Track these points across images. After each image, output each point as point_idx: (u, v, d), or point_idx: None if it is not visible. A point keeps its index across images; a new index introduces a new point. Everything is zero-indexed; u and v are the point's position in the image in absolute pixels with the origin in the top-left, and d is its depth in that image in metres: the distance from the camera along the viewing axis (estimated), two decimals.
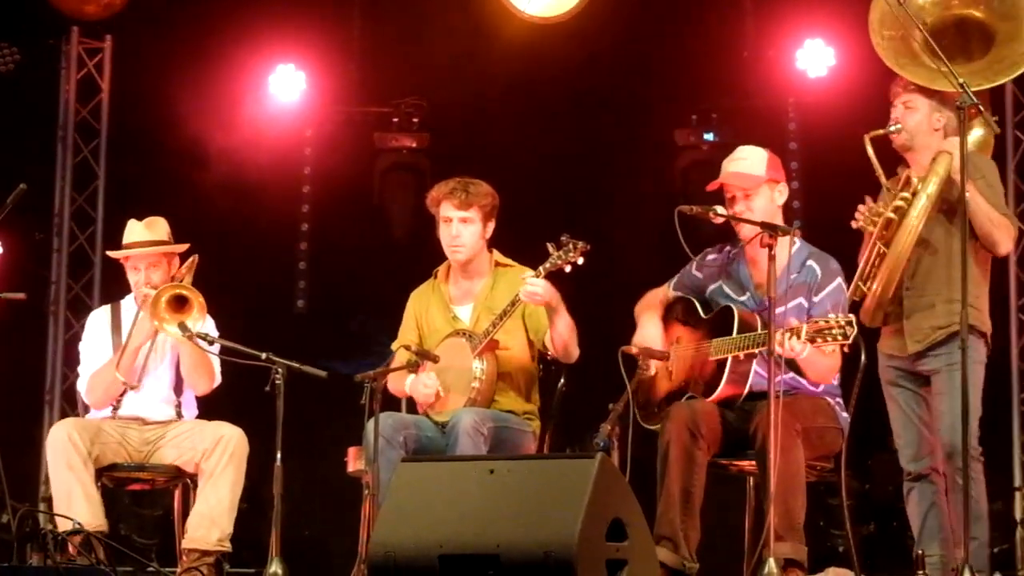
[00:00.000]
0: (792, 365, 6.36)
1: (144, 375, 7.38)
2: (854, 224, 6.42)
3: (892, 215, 6.30)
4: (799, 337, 6.13)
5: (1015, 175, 9.41)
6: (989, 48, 6.54)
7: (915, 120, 6.44)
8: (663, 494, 6.39)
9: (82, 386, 7.53)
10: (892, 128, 6.46)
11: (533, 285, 6.70)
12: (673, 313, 6.92)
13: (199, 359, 7.33)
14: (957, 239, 6.19)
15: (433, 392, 6.94)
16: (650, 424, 6.72)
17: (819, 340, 6.13)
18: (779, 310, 6.23)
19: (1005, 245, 6.40)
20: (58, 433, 7.16)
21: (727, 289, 6.77)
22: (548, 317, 6.86)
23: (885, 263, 6.32)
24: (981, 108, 6.05)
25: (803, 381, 6.53)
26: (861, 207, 6.41)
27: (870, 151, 6.44)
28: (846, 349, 6.34)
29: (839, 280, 6.60)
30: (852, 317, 6.15)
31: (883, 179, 6.42)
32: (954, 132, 6.29)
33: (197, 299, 7.15)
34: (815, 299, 6.55)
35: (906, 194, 6.30)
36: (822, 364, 6.43)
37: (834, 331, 6.09)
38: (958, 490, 6.13)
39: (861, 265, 6.44)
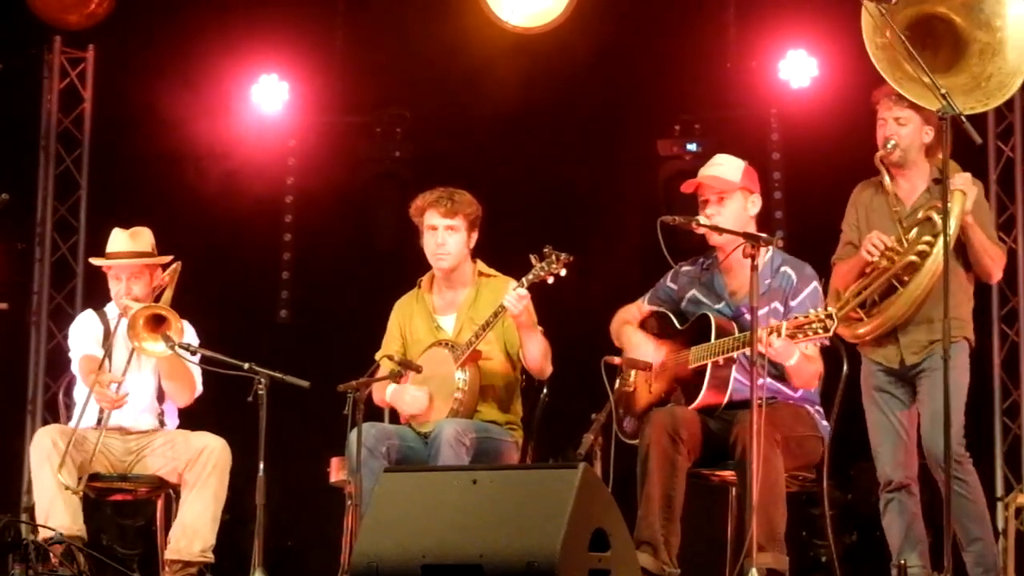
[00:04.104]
0: (777, 374, 6.37)
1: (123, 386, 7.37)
2: (868, 258, 6.41)
3: (915, 258, 6.31)
4: (779, 335, 6.14)
5: (997, 186, 9.44)
6: (959, 57, 6.51)
7: (908, 136, 6.43)
8: (643, 499, 6.39)
9: (75, 366, 7.54)
10: (889, 145, 6.44)
11: (522, 298, 6.69)
12: (649, 328, 6.94)
13: (179, 372, 7.32)
14: (953, 260, 6.28)
15: (422, 404, 6.94)
16: (632, 440, 6.73)
17: (800, 336, 6.14)
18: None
19: (997, 275, 6.63)
20: (42, 438, 7.15)
21: (702, 298, 6.79)
22: (519, 335, 6.86)
23: (900, 300, 6.33)
24: (963, 120, 6.04)
25: (783, 387, 6.55)
26: (875, 243, 6.38)
27: (886, 179, 6.42)
28: (826, 342, 6.38)
29: (815, 284, 6.63)
30: (832, 310, 6.16)
31: (895, 207, 6.40)
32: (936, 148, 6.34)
33: (176, 322, 7.13)
34: (792, 303, 6.57)
35: (929, 238, 6.30)
36: (808, 371, 6.46)
37: (814, 325, 6.11)
38: (954, 496, 6.19)
39: (863, 292, 6.42)
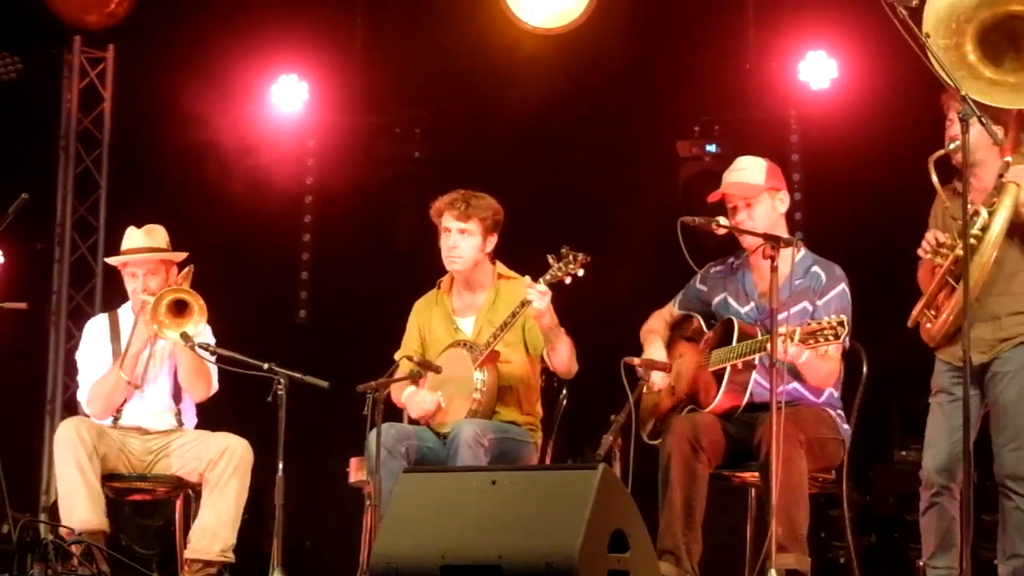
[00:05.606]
0: (794, 372, 6.37)
1: (144, 383, 7.37)
2: (921, 254, 6.33)
3: (962, 252, 6.20)
4: (792, 340, 6.14)
5: None
6: None
7: (974, 136, 6.27)
8: (665, 508, 6.40)
9: (82, 396, 7.50)
10: (952, 146, 6.31)
11: (544, 292, 6.67)
12: (679, 331, 6.94)
13: (197, 365, 7.31)
14: (1014, 253, 6.19)
15: (432, 407, 6.95)
16: (654, 440, 6.73)
17: (812, 341, 6.15)
18: (782, 315, 6.22)
19: None
20: (67, 430, 7.13)
21: (731, 300, 6.78)
22: (544, 335, 6.85)
23: (955, 296, 6.22)
24: (983, 120, 5.98)
25: (804, 391, 6.54)
26: (929, 238, 6.31)
27: (934, 177, 6.30)
28: (845, 346, 6.41)
29: (843, 286, 6.62)
30: (844, 317, 6.17)
31: (946, 202, 6.32)
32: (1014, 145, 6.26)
33: (197, 302, 7.14)
34: (819, 303, 6.56)
35: (977, 231, 6.19)
36: (822, 369, 6.45)
37: (826, 332, 6.13)
38: (1012, 509, 6.13)
39: (927, 295, 6.35)
